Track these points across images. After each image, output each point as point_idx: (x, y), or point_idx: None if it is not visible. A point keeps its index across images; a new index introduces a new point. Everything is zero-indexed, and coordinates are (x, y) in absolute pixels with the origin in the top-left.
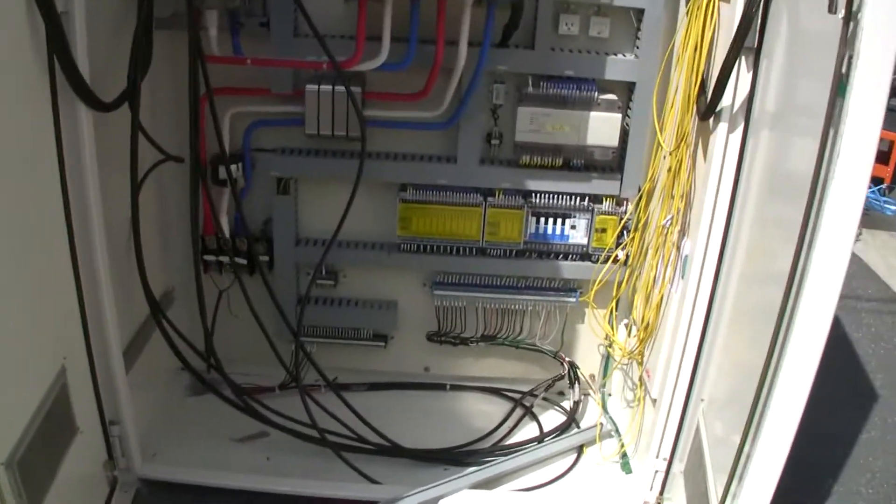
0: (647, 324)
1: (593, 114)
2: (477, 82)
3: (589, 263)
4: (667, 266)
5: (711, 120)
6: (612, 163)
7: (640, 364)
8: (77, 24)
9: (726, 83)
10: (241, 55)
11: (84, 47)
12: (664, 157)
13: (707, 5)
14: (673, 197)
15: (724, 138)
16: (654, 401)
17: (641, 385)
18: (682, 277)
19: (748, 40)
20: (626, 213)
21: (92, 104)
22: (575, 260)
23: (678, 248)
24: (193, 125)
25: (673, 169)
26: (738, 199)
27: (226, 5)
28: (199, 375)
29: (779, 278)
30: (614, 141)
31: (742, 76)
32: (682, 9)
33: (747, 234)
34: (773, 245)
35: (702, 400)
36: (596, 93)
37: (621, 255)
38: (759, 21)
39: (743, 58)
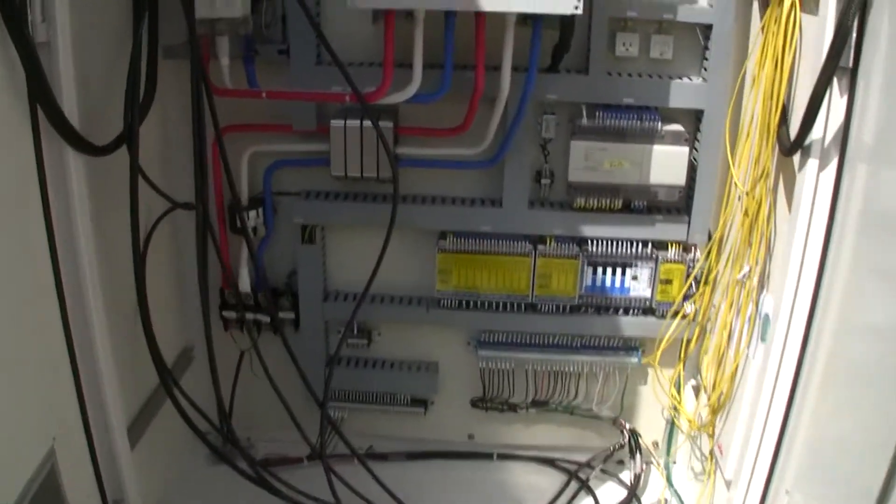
0: (721, 393)
1: (657, 148)
2: (523, 113)
3: (653, 319)
4: (743, 326)
5: (798, 155)
6: (679, 204)
7: (711, 437)
8: (61, 56)
9: (817, 112)
10: (256, 87)
11: (71, 81)
12: (739, 198)
13: (787, 18)
14: (750, 245)
15: (813, 177)
16: (728, 483)
17: (712, 459)
18: (763, 340)
19: (843, 59)
20: (694, 261)
21: (81, 148)
22: (637, 315)
23: (757, 305)
24: (199, 168)
25: (750, 212)
26: (831, 247)
27: (238, 31)
28: (213, 448)
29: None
30: (681, 179)
31: (834, 102)
32: (757, 23)
33: (844, 288)
34: (877, 300)
35: (787, 492)
36: (659, 123)
37: (689, 308)
38: (856, 35)
39: (835, 80)
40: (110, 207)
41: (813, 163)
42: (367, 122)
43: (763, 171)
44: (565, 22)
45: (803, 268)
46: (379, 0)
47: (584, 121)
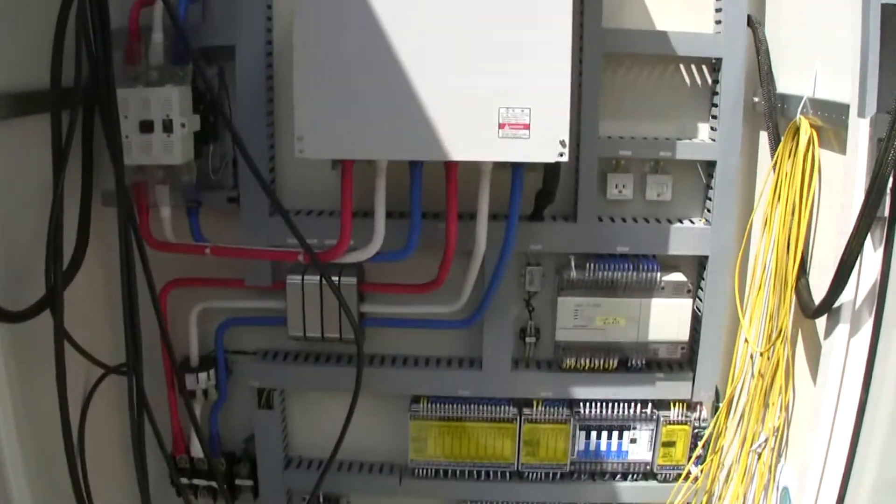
0: None
1: (656, 301)
2: (503, 268)
3: (654, 483)
4: (759, 499)
5: (825, 317)
6: (682, 359)
7: None
8: None
9: (849, 274)
10: (201, 240)
11: None
12: (751, 356)
13: (805, 155)
14: (767, 405)
15: (843, 342)
16: None
17: None
18: None
19: (879, 208)
20: (700, 420)
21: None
22: (636, 480)
23: (774, 475)
24: (129, 332)
25: (765, 375)
26: (866, 419)
27: (180, 179)
28: None
29: None
30: (684, 334)
31: (867, 255)
32: (767, 159)
33: (880, 463)
34: None
35: None
36: (659, 273)
37: (695, 469)
38: (893, 181)
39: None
40: (37, 373)
41: (843, 328)
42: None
43: (780, 332)
44: (549, 168)
45: (832, 439)
46: (328, 149)
47: (573, 273)
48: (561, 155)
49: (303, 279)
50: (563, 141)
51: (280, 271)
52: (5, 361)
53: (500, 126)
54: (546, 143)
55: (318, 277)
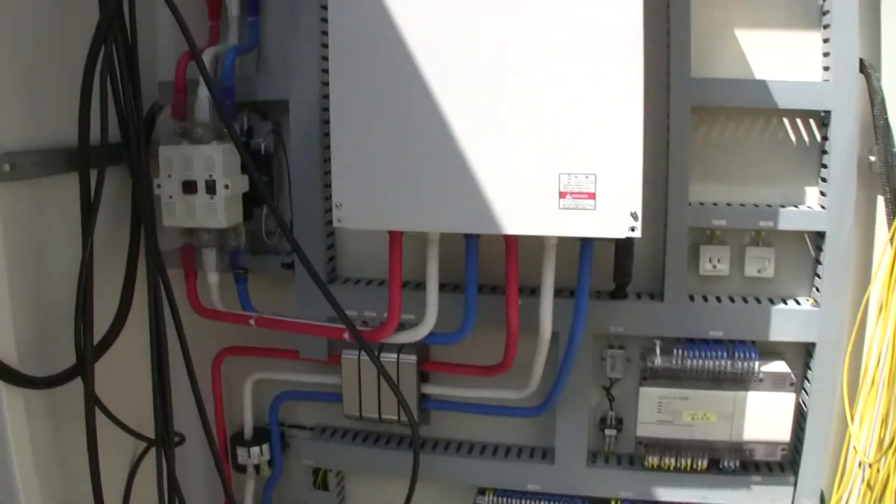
0: None
1: (753, 394)
2: (573, 354)
3: None
4: None
5: None
6: (783, 461)
7: None
8: None
9: None
10: (249, 309)
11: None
12: (859, 464)
13: None
14: None
15: None
16: None
17: None
18: None
19: None
20: None
21: (14, 380)
22: None
23: None
24: (159, 407)
25: (874, 487)
26: None
27: (227, 243)
28: None
29: None
30: (785, 434)
31: None
32: (884, 231)
33: None
34: None
35: None
36: (757, 362)
37: None
38: None
39: None
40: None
41: None
42: (387, 355)
43: (892, 441)
44: (621, 244)
45: None
46: (369, 220)
47: (658, 360)
48: (632, 230)
49: (359, 355)
50: (635, 213)
51: (337, 344)
52: (39, 427)
53: (561, 195)
54: (614, 216)
55: (375, 352)
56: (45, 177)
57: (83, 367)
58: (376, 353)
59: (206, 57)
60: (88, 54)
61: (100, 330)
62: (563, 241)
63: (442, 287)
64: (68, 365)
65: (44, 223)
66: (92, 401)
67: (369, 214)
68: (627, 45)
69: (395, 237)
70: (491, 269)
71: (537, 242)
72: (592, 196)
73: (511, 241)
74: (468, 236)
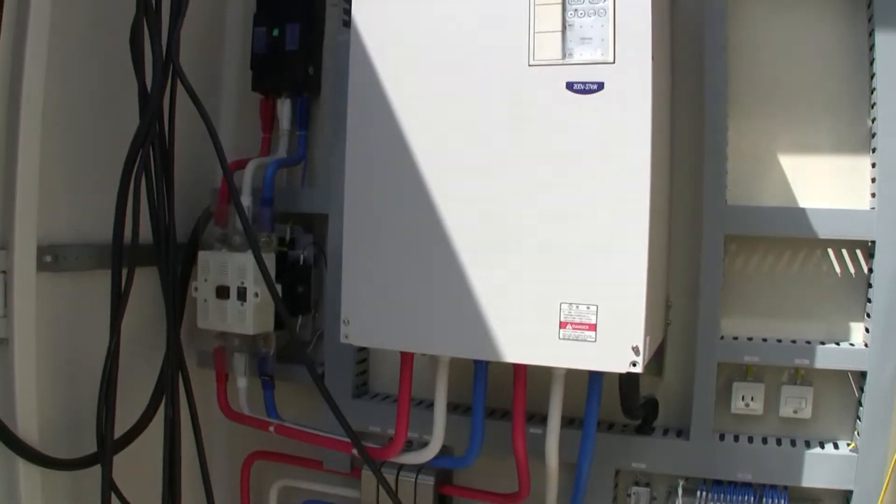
0: None
1: None
2: (581, 489)
3: None
4: None
5: None
6: None
7: None
8: (18, 358)
9: None
10: (274, 415)
11: (32, 387)
12: None
13: None
14: None
15: None
16: None
17: None
18: None
19: None
20: None
21: (32, 458)
22: None
23: None
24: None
25: None
26: None
27: (258, 349)
28: None
29: None
30: None
31: None
32: None
33: None
34: None
35: None
36: None
37: None
38: None
39: None
40: None
41: None
42: (406, 474)
43: None
44: (625, 379)
45: None
46: (375, 338)
47: (679, 502)
48: (634, 364)
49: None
50: (637, 347)
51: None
52: None
53: (562, 325)
54: (615, 350)
55: (395, 471)
56: (84, 270)
57: (102, 456)
58: (396, 473)
59: (250, 168)
60: (126, 158)
61: (130, 420)
62: (578, 370)
63: (455, 408)
64: (94, 450)
65: (80, 314)
66: (109, 489)
67: (376, 332)
68: (634, 176)
69: (405, 357)
70: (506, 392)
71: (548, 370)
72: (593, 328)
73: (519, 367)
74: (477, 360)
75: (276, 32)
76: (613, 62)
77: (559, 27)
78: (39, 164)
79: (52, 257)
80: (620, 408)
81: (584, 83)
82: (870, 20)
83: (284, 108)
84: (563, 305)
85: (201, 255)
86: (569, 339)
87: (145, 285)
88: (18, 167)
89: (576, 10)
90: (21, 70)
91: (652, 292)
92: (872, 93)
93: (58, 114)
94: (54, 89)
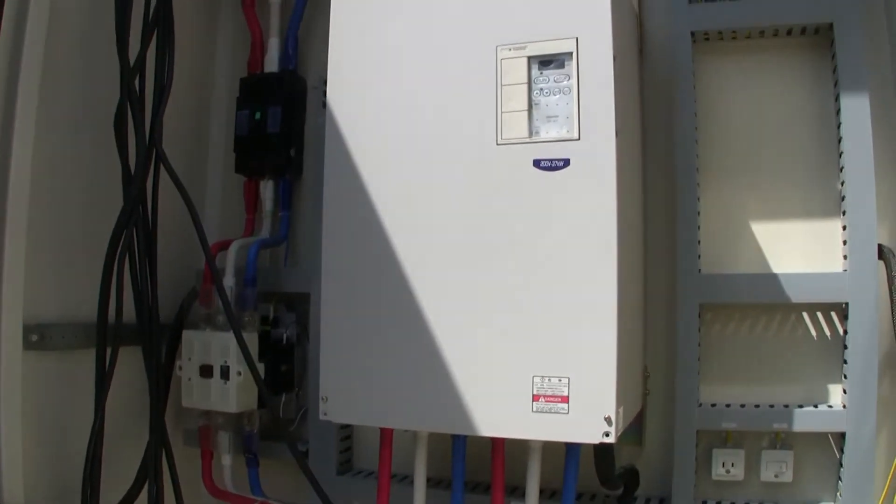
0: None
1: None
2: None
3: None
4: None
5: None
6: None
7: None
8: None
9: None
10: (259, 495)
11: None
12: None
13: None
14: None
15: None
16: None
17: None
18: None
19: None
20: None
21: None
22: None
23: None
24: None
25: None
26: None
27: (242, 427)
28: None
29: None
30: None
31: None
32: None
33: None
34: None
35: None
36: None
37: None
38: None
39: None
40: None
41: None
42: None
43: None
44: (599, 449)
45: None
46: (352, 414)
47: None
48: (606, 435)
49: None
50: (609, 418)
51: None
52: None
53: (535, 398)
54: (588, 421)
55: None
56: (70, 350)
57: None
58: None
59: (234, 248)
60: (110, 239)
61: (115, 498)
62: (555, 442)
63: (438, 483)
64: None
65: (65, 392)
66: None
67: (354, 409)
68: (601, 250)
69: (385, 433)
70: (485, 465)
71: (525, 442)
72: (566, 399)
73: (497, 441)
74: (455, 435)
75: (258, 116)
76: (579, 139)
77: (525, 106)
78: (26, 244)
79: (39, 336)
80: (598, 478)
81: (550, 160)
82: (835, 85)
83: (267, 190)
84: (535, 378)
85: (186, 334)
86: (542, 412)
87: (130, 364)
88: (6, 247)
89: (541, 89)
90: (9, 153)
91: (624, 363)
92: (840, 156)
93: (45, 195)
94: (41, 171)
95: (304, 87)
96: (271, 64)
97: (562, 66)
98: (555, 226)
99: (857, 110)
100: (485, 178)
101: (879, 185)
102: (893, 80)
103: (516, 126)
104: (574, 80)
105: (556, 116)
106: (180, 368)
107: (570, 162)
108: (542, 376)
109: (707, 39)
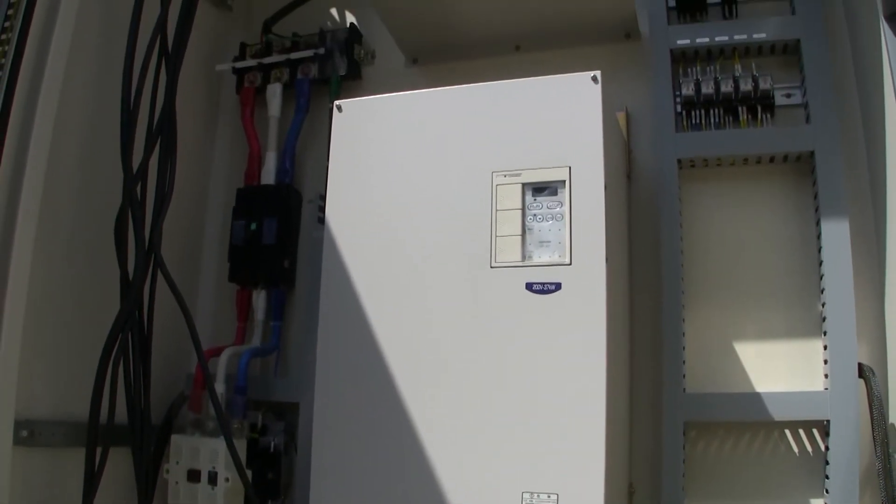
0: None
1: None
2: None
3: None
4: None
5: None
6: None
7: None
8: None
9: None
10: None
11: None
12: None
13: None
14: None
15: None
16: None
17: None
18: None
19: None
20: None
21: None
22: None
23: None
24: None
25: None
26: None
27: None
28: None
29: None
30: None
31: None
32: None
33: None
34: None
35: None
36: None
37: None
38: None
39: None
40: None
41: None
42: None
43: None
44: None
45: None
46: None
47: None
48: None
49: None
50: None
51: None
52: None
53: None
54: None
55: None
56: (59, 447)
57: None
58: None
59: (225, 356)
60: (106, 342)
61: None
62: None
63: None
64: None
65: (53, 490)
66: None
67: None
68: (590, 372)
69: None
70: None
71: None
72: None
73: None
74: None
75: (253, 226)
76: (570, 264)
77: (519, 231)
78: (21, 341)
79: (28, 432)
80: None
81: (542, 283)
82: (816, 210)
83: (260, 300)
84: (524, 495)
85: (174, 438)
86: None
87: (119, 465)
88: (1, 342)
89: (535, 215)
90: (10, 249)
91: (611, 480)
92: (821, 279)
93: (41, 293)
94: (39, 270)
95: (300, 201)
96: (268, 176)
97: (555, 193)
98: (546, 346)
99: (836, 234)
100: (478, 299)
101: (859, 306)
102: (872, 205)
103: (510, 250)
104: (566, 207)
105: (549, 241)
106: (167, 472)
107: (562, 286)
108: (532, 492)
109: (693, 166)
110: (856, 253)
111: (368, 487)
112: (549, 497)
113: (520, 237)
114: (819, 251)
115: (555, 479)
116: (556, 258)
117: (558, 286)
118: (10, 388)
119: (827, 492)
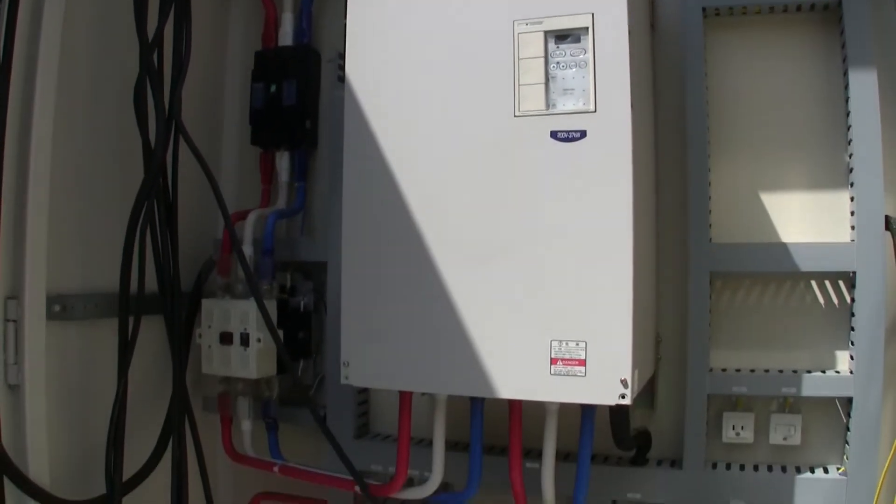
0: None
1: None
2: None
3: None
4: None
5: None
6: None
7: None
8: (30, 404)
9: None
10: (279, 458)
11: (43, 435)
12: None
13: None
14: None
15: None
16: None
17: None
18: None
19: None
20: None
21: (47, 501)
22: None
23: None
24: None
25: None
26: None
27: (261, 393)
28: None
29: None
30: None
31: None
32: None
33: None
34: None
35: None
36: None
37: None
38: None
39: None
40: None
41: None
42: None
43: None
44: (615, 411)
45: None
46: (373, 378)
47: None
48: (623, 397)
49: None
50: (625, 380)
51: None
52: None
53: (553, 361)
54: (604, 383)
55: None
56: (92, 319)
57: (111, 498)
58: None
59: (251, 219)
60: (132, 211)
61: (138, 463)
62: (571, 405)
63: (455, 445)
64: (103, 492)
65: (88, 361)
66: None
67: (374, 374)
68: (616, 218)
69: (404, 396)
70: (503, 428)
71: (542, 405)
72: (583, 363)
73: (514, 403)
74: (473, 398)
75: (273, 88)
76: (595, 111)
77: (542, 80)
78: (48, 217)
79: (61, 307)
80: (613, 439)
81: (567, 132)
82: (844, 60)
83: (283, 161)
84: (553, 343)
85: (205, 303)
86: (560, 375)
87: (151, 333)
88: (28, 220)
89: (558, 62)
90: (30, 125)
91: (639, 328)
92: (849, 129)
93: (65, 168)
94: (62, 145)
95: (319, 61)
96: (286, 38)
97: (578, 40)
98: (572, 195)
99: (864, 85)
100: (503, 149)
101: (886, 157)
102: None
103: (533, 99)
104: (590, 55)
105: (573, 89)
106: (200, 336)
107: (587, 134)
108: (560, 340)
109: (718, 15)
110: (883, 104)
111: (398, 342)
112: (577, 344)
113: (543, 85)
114: (846, 102)
115: (583, 328)
116: (580, 106)
117: (583, 134)
118: (40, 264)
119: (852, 343)
